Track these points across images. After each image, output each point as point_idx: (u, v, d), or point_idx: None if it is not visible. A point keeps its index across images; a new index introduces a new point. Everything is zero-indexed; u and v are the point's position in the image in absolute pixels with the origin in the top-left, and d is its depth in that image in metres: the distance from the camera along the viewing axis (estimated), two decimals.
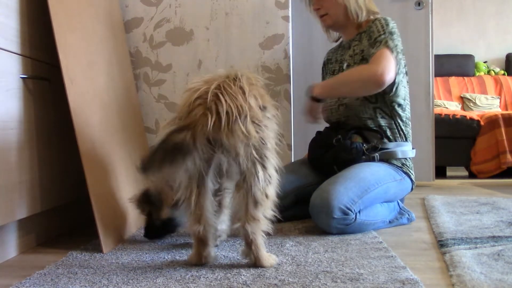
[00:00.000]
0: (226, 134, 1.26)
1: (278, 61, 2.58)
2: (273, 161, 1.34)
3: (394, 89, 1.97)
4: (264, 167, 1.32)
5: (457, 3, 5.67)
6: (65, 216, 1.93)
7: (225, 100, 1.27)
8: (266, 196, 1.33)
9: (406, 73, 2.05)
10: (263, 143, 1.31)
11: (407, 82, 2.06)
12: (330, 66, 2.21)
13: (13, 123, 1.50)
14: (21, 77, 1.55)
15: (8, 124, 1.47)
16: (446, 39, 5.59)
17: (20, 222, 1.59)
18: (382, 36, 1.94)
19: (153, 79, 2.58)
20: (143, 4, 2.58)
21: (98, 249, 1.56)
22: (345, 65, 2.10)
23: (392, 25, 1.98)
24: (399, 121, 2.01)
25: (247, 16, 2.58)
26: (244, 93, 1.30)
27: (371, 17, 2.09)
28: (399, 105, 2.00)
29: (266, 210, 1.34)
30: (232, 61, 2.58)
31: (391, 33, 1.94)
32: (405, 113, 2.03)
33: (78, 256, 1.51)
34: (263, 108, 1.34)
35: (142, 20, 2.58)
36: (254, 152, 1.29)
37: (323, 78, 2.27)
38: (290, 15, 2.60)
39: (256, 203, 1.32)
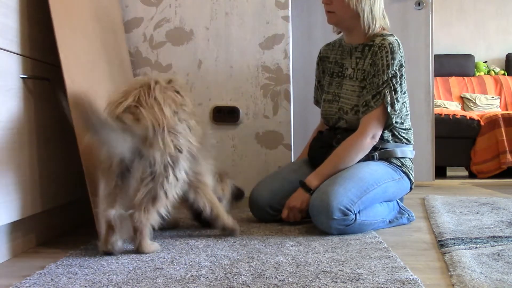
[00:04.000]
0: (146, 146, 1.45)
1: (278, 61, 2.58)
2: (183, 165, 1.54)
3: (393, 123, 1.95)
4: (173, 170, 1.51)
5: (457, 3, 5.67)
6: (65, 216, 1.93)
7: (144, 115, 1.45)
8: (166, 195, 1.51)
9: (405, 91, 2.00)
10: (178, 150, 1.50)
11: (407, 94, 2.01)
12: (329, 66, 2.14)
13: (13, 123, 1.50)
14: (21, 77, 1.55)
15: (8, 124, 1.47)
16: (446, 39, 5.59)
17: (20, 222, 1.59)
18: (384, 86, 1.90)
19: None
20: (143, 4, 2.58)
21: (98, 249, 1.56)
22: (346, 72, 2.04)
23: (398, 60, 1.92)
24: (400, 130, 1.99)
25: (247, 16, 2.58)
26: (159, 103, 1.47)
27: (379, 30, 2.01)
28: (397, 122, 1.97)
29: (161, 208, 1.51)
30: (232, 61, 2.58)
31: (394, 77, 1.90)
32: (405, 124, 2.01)
33: (78, 256, 1.51)
34: (175, 114, 1.51)
35: (142, 20, 2.58)
36: (168, 158, 1.48)
37: (319, 76, 2.19)
38: (290, 15, 2.60)
39: (154, 199, 1.49)
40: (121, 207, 1.49)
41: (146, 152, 1.45)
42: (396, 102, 1.91)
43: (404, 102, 1.97)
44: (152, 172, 1.48)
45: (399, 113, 1.93)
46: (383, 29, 2.02)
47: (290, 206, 1.94)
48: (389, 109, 1.90)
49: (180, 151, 1.51)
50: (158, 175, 1.48)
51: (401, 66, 1.93)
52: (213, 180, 1.78)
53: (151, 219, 1.50)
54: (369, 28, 1.98)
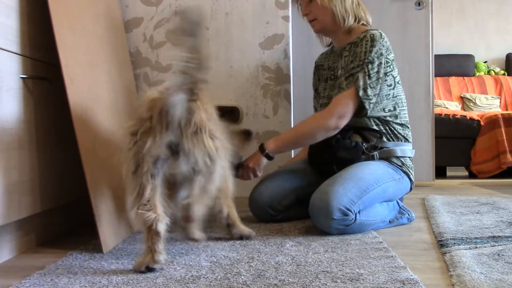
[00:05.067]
0: (190, 144, 1.42)
1: (278, 61, 2.58)
2: (221, 163, 1.52)
3: (368, 110, 1.93)
4: (214, 169, 1.50)
5: (457, 3, 5.67)
6: (65, 216, 1.93)
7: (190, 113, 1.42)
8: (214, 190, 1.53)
9: (399, 81, 2.01)
10: (216, 152, 1.49)
11: (400, 89, 2.02)
12: (323, 73, 2.17)
13: (13, 123, 1.50)
14: (21, 77, 1.55)
15: (8, 124, 1.47)
16: (446, 39, 5.59)
17: (20, 222, 1.59)
18: (358, 69, 1.91)
19: (153, 79, 2.58)
20: (143, 4, 2.58)
21: (98, 249, 1.56)
22: (338, 73, 2.06)
23: (378, 48, 1.91)
24: (395, 126, 1.99)
25: (247, 16, 2.58)
26: (199, 107, 1.46)
27: (363, 25, 2.05)
28: (390, 115, 1.98)
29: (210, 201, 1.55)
30: (232, 61, 2.58)
31: (371, 62, 1.90)
32: (400, 119, 2.00)
33: (78, 256, 1.51)
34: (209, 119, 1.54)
35: (142, 20, 2.58)
36: (207, 159, 1.46)
37: (315, 84, 2.23)
38: (290, 15, 2.60)
39: (205, 193, 1.50)
40: (163, 210, 1.43)
41: (188, 149, 1.43)
42: (369, 88, 1.90)
43: (388, 94, 1.96)
44: (196, 170, 1.47)
45: (373, 100, 1.92)
46: (364, 24, 2.05)
47: (244, 165, 2.00)
48: (361, 93, 1.90)
49: (218, 153, 1.51)
50: (205, 173, 1.49)
51: (381, 54, 1.92)
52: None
53: (203, 211, 1.53)
54: (344, 21, 2.01)
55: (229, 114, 2.60)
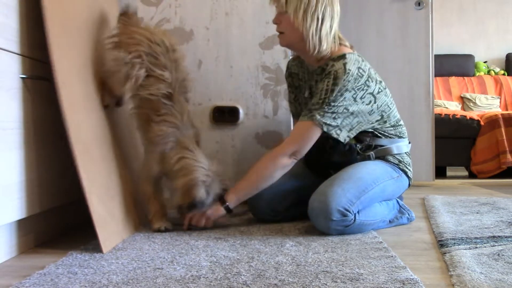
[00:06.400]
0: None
1: (278, 61, 2.58)
2: None
3: (339, 137, 1.85)
4: None
5: (457, 3, 5.67)
6: (65, 216, 1.93)
7: None
8: None
9: (380, 90, 1.88)
10: None
11: (383, 94, 1.90)
12: (301, 84, 2.08)
13: (13, 123, 1.50)
14: (21, 77, 1.55)
15: (8, 124, 1.47)
16: (446, 39, 5.59)
17: (20, 222, 1.59)
18: (317, 106, 1.81)
19: None
20: (143, 4, 2.58)
21: (98, 249, 1.56)
22: (306, 93, 2.02)
23: (340, 87, 1.79)
24: (386, 129, 1.94)
25: (247, 16, 2.58)
26: None
27: (337, 47, 1.89)
28: (378, 123, 1.92)
29: None
30: (232, 61, 2.58)
31: (333, 100, 1.79)
32: (390, 122, 1.94)
33: (78, 256, 1.51)
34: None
35: (142, 20, 2.58)
36: None
37: (294, 91, 2.15)
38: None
39: None
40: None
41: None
42: (330, 120, 1.81)
43: (371, 110, 1.86)
44: None
45: (343, 127, 1.83)
46: (342, 45, 1.91)
47: (198, 220, 1.87)
48: (325, 128, 1.81)
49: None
50: None
51: (345, 90, 1.79)
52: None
53: None
54: (314, 50, 1.86)
55: (229, 114, 2.60)
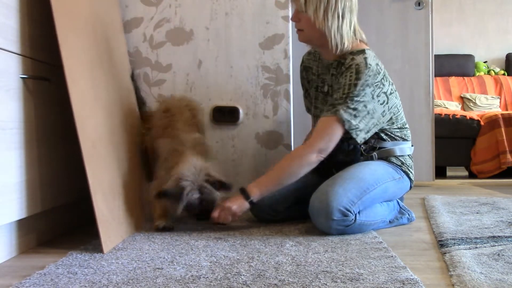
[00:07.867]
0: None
1: (278, 61, 2.58)
2: None
3: (357, 138, 1.86)
4: None
5: (457, 3, 5.67)
6: (65, 216, 1.93)
7: None
8: None
9: (392, 91, 1.92)
10: None
11: (394, 96, 1.94)
12: (313, 78, 2.10)
13: (13, 123, 1.50)
14: (21, 77, 1.55)
15: (8, 124, 1.47)
16: (446, 39, 5.59)
17: (20, 222, 1.59)
18: (340, 101, 1.83)
19: (153, 79, 2.58)
20: (143, 4, 2.58)
21: (98, 249, 1.56)
22: (325, 88, 2.03)
23: (363, 81, 1.81)
24: (393, 130, 1.96)
25: (247, 16, 2.58)
26: None
27: (356, 44, 1.92)
28: (387, 125, 1.94)
29: None
30: (232, 61, 2.58)
31: (356, 95, 1.81)
32: (397, 124, 1.96)
33: (78, 256, 1.51)
34: None
35: (142, 20, 2.58)
36: None
37: (305, 85, 2.18)
38: (290, 15, 2.60)
39: None
40: None
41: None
42: (353, 118, 1.82)
43: (383, 110, 1.88)
44: None
45: (361, 127, 1.84)
46: (360, 41, 1.94)
47: (225, 206, 1.83)
48: (347, 126, 1.82)
49: None
50: None
51: (367, 85, 1.82)
52: None
53: None
54: (337, 48, 1.89)
55: (229, 114, 2.60)
